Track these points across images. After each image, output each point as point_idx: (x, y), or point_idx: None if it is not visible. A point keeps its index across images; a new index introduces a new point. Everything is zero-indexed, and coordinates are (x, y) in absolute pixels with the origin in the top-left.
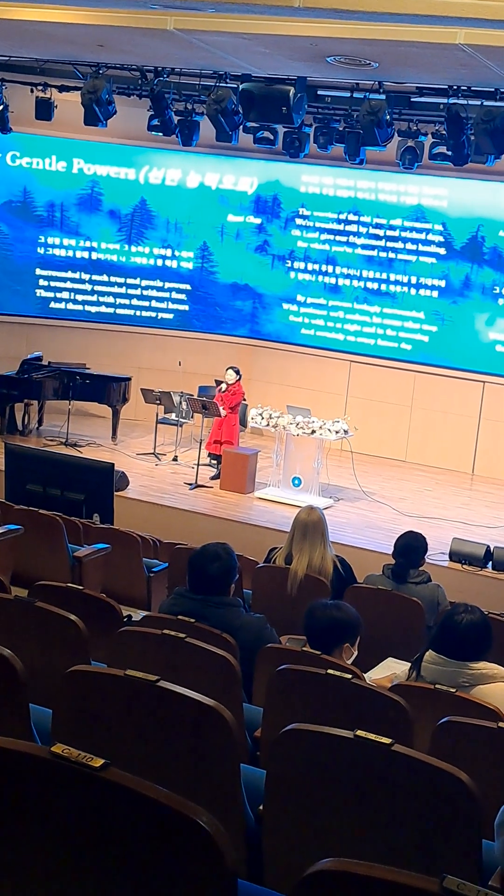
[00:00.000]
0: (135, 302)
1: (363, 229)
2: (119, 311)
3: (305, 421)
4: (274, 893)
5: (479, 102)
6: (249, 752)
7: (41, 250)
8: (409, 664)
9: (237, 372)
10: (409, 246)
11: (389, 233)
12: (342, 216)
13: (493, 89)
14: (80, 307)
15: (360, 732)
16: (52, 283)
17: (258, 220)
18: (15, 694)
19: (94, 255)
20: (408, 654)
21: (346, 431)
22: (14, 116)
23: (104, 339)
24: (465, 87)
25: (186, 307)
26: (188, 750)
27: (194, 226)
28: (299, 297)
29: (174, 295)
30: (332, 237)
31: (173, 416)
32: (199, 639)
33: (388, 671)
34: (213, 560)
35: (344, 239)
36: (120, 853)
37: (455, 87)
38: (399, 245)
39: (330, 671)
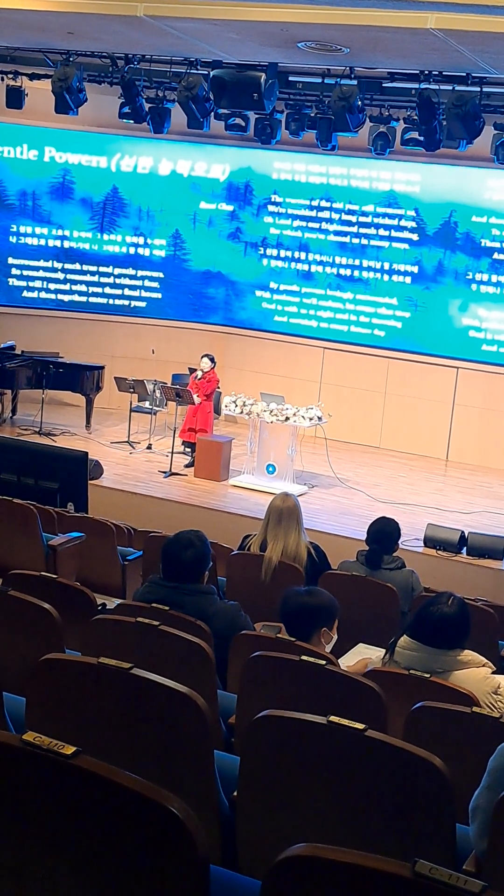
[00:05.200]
0: (107, 290)
1: (336, 216)
2: (92, 299)
3: (279, 408)
4: (248, 879)
5: (450, 87)
6: (224, 738)
7: (13, 239)
8: (382, 650)
9: (212, 360)
10: (382, 232)
11: (362, 219)
12: (314, 202)
13: (464, 74)
14: (52, 296)
15: (333, 718)
16: (25, 272)
17: (230, 208)
18: None
19: (67, 244)
20: (382, 640)
21: (319, 418)
22: None
23: (77, 327)
24: (436, 72)
25: (159, 295)
26: (162, 737)
27: (166, 213)
28: (272, 284)
29: (147, 283)
30: (304, 224)
31: (147, 404)
32: (173, 626)
33: (360, 657)
34: (186, 547)
35: (316, 225)
36: (92, 841)
37: (426, 72)
38: (372, 231)
39: (304, 657)
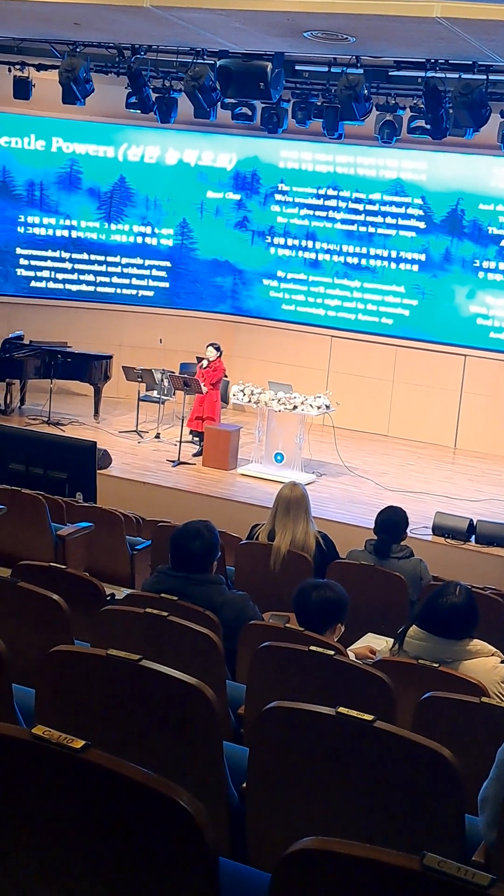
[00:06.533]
0: (115, 280)
1: (343, 204)
2: (100, 289)
3: (287, 397)
4: (257, 872)
5: (456, 75)
6: (233, 729)
7: (21, 229)
8: (391, 639)
9: (217, 349)
10: (389, 220)
11: (369, 207)
12: (321, 191)
13: (470, 62)
14: (60, 286)
15: (342, 709)
16: (33, 262)
17: (237, 197)
18: None
19: (74, 234)
20: (390, 629)
21: (327, 406)
22: None
23: (85, 317)
24: (442, 61)
25: (167, 284)
26: (171, 729)
27: (174, 203)
28: (279, 273)
29: (154, 272)
30: (311, 212)
31: (155, 393)
32: (182, 617)
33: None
34: (195, 537)
35: (323, 214)
36: (101, 835)
37: (433, 61)
38: (379, 219)
39: (312, 648)
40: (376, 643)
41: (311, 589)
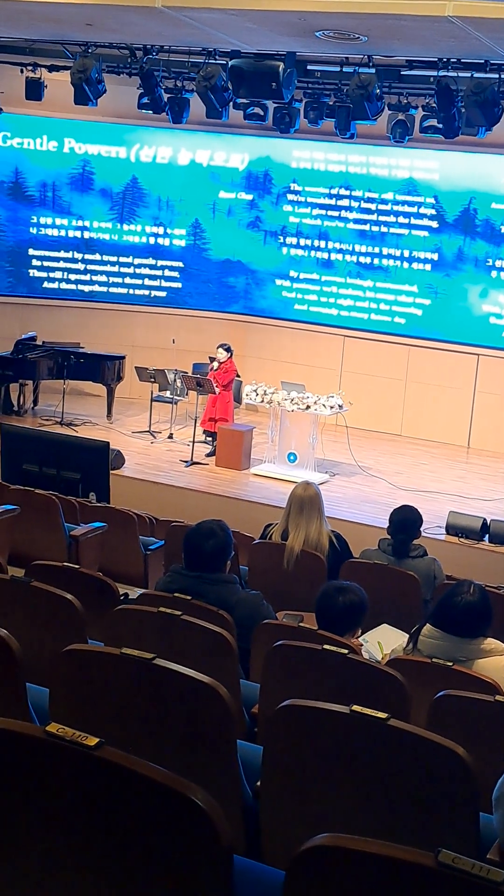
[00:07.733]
0: (128, 280)
1: (355, 203)
2: (112, 289)
3: (300, 396)
4: (272, 869)
5: (469, 74)
6: (247, 728)
7: (34, 230)
8: (406, 634)
9: (228, 350)
10: (402, 219)
11: (381, 206)
12: (334, 191)
13: (482, 61)
14: (73, 286)
15: (356, 708)
16: (45, 263)
17: (250, 197)
18: (11, 673)
19: (87, 235)
20: (404, 628)
21: (340, 406)
22: (4, 97)
23: (98, 317)
24: (454, 60)
25: (179, 285)
26: (185, 727)
27: (186, 203)
28: (292, 273)
29: (167, 273)
30: (323, 212)
31: (168, 393)
32: (196, 616)
33: (381, 636)
34: (208, 537)
35: (336, 213)
36: (115, 832)
37: (445, 60)
38: (391, 219)
39: (326, 646)
40: (391, 634)
41: (337, 593)
